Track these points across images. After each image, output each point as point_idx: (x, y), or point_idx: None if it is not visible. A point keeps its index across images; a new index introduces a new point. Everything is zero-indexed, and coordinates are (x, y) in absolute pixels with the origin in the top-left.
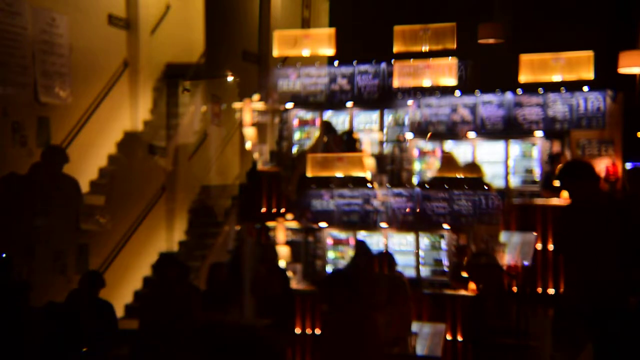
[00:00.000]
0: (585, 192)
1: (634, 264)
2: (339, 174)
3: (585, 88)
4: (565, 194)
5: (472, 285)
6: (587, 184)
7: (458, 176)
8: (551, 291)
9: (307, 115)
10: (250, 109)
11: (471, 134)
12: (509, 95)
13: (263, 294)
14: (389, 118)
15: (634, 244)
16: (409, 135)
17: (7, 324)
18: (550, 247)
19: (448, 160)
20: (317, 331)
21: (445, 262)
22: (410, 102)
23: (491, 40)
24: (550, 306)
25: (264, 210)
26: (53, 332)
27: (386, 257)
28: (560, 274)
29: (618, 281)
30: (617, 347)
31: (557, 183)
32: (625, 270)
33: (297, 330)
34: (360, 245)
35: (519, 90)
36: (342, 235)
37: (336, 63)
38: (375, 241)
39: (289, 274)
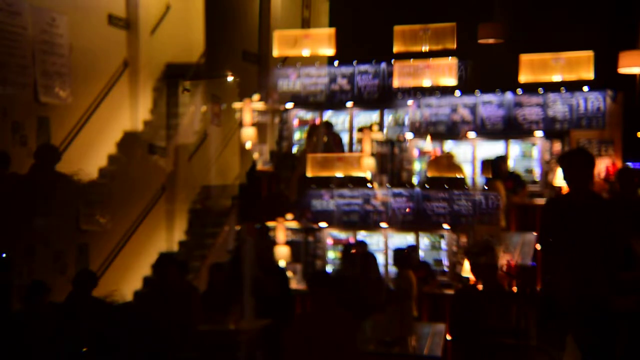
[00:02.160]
0: (580, 181)
1: (620, 265)
2: (339, 174)
3: (585, 88)
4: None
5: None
6: (584, 173)
7: (458, 176)
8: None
9: (307, 115)
10: (250, 109)
11: (471, 134)
12: (509, 95)
13: (262, 294)
14: (389, 118)
15: (618, 244)
16: (409, 135)
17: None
18: None
19: (438, 161)
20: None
21: (445, 262)
22: (410, 102)
23: (491, 40)
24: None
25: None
26: (53, 332)
27: (400, 254)
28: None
29: (599, 279)
30: (603, 345)
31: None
32: (607, 269)
33: None
34: (350, 248)
35: (519, 90)
36: (342, 235)
37: (336, 63)
38: (375, 241)
39: (289, 274)
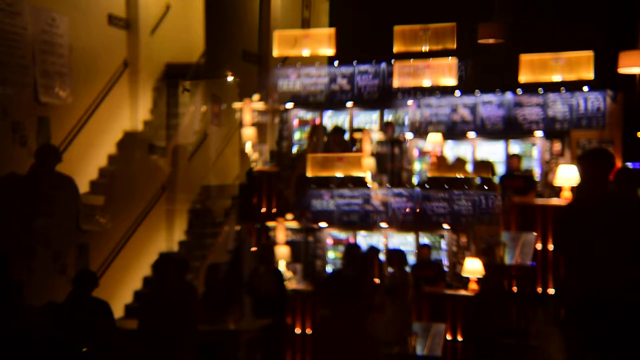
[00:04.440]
0: (599, 182)
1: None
2: (339, 174)
3: (585, 88)
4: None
5: (472, 285)
6: (604, 174)
7: (458, 176)
8: (551, 291)
9: (307, 115)
10: (250, 109)
11: (471, 134)
12: (509, 95)
13: (259, 294)
14: (389, 118)
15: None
16: (409, 135)
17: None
18: (551, 247)
19: (440, 161)
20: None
21: (445, 262)
22: (410, 102)
23: (491, 40)
24: (559, 305)
25: (263, 210)
26: (53, 332)
27: (397, 255)
28: (560, 273)
29: (624, 281)
30: (627, 348)
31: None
32: (630, 270)
33: (297, 330)
34: (352, 248)
35: (519, 90)
36: (342, 235)
37: (336, 63)
38: (375, 241)
39: (289, 274)
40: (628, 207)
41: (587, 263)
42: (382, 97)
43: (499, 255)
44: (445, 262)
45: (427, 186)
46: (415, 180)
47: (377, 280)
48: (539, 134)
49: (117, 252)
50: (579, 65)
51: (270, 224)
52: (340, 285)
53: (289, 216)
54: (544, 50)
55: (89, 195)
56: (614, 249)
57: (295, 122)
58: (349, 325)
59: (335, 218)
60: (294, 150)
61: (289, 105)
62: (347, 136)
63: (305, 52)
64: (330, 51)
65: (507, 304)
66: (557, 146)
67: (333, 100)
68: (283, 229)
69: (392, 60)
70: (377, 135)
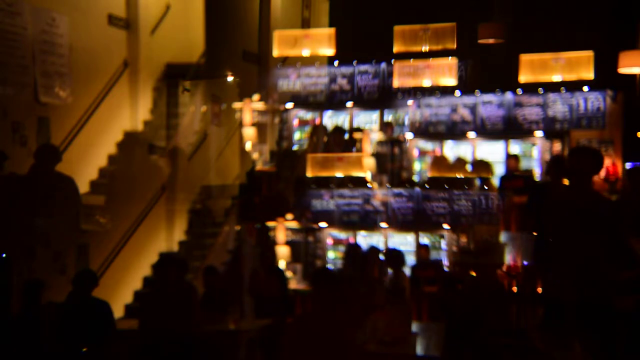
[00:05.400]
0: (585, 181)
1: (622, 264)
2: (339, 174)
3: (585, 88)
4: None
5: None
6: (591, 174)
7: (458, 176)
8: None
9: (307, 115)
10: (250, 109)
11: (471, 134)
12: (509, 95)
13: (261, 294)
14: (389, 118)
15: (621, 243)
16: (409, 135)
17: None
18: None
19: (438, 161)
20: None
21: (445, 262)
22: (410, 102)
23: (491, 40)
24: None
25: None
26: (53, 332)
27: (394, 255)
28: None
29: (603, 279)
30: (606, 345)
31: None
32: (610, 268)
33: None
34: (352, 248)
35: (519, 90)
36: (342, 235)
37: (336, 63)
38: (375, 241)
39: (289, 274)
40: (612, 206)
41: (567, 259)
42: (382, 97)
43: (499, 255)
44: (445, 262)
45: (427, 186)
46: (415, 180)
47: (377, 280)
48: (539, 134)
49: (117, 252)
50: (579, 65)
51: (270, 224)
52: (327, 283)
53: (289, 216)
54: (544, 50)
55: (89, 195)
56: (592, 246)
57: (295, 122)
58: (330, 323)
59: (335, 218)
60: (294, 150)
61: (289, 105)
62: (347, 136)
63: (305, 52)
64: (330, 51)
65: (507, 304)
66: (557, 146)
67: (333, 100)
68: (283, 229)
69: (392, 60)
70: (377, 135)
